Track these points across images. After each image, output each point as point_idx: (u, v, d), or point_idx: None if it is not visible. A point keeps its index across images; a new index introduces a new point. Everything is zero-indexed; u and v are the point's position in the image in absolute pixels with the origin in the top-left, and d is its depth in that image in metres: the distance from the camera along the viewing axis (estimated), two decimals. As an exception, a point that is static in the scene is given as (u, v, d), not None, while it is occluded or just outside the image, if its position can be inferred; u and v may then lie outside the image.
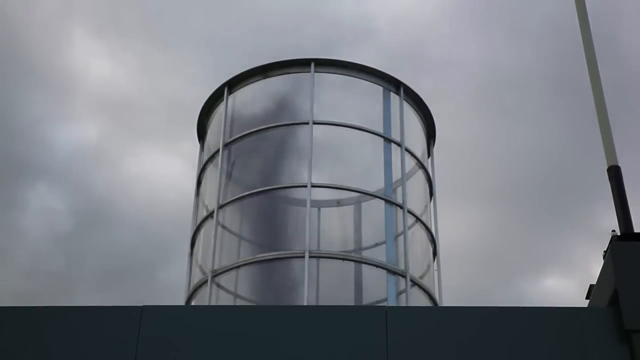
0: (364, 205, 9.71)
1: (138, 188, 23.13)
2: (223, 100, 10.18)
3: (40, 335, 6.05)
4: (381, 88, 10.11)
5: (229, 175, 9.86)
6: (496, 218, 22.10)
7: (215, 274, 8.98)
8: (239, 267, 9.04)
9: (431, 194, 10.28)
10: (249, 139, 9.80)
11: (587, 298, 6.73)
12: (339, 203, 9.71)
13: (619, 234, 6.33)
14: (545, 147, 20.48)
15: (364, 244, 9.58)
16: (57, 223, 22.27)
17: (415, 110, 10.36)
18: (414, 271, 9.14)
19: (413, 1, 22.77)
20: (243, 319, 6.21)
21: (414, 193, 9.87)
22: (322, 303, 8.65)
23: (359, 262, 9.14)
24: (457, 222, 18.73)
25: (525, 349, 5.91)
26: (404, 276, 8.94)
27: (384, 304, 8.78)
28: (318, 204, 9.51)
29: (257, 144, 9.87)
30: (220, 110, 10.26)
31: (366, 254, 9.36)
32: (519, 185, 20.91)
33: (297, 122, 9.72)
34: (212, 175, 9.98)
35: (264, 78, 10.11)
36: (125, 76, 23.14)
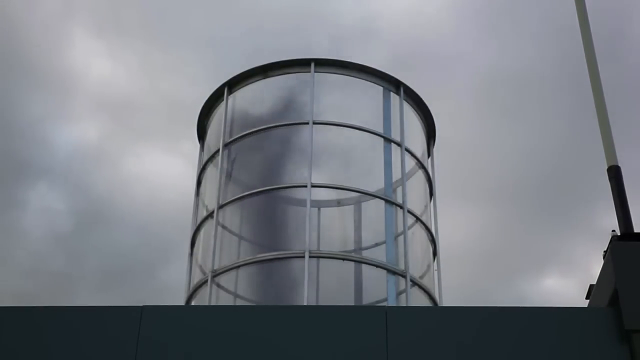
0: (364, 205, 9.71)
1: (138, 188, 23.16)
2: (223, 100, 10.18)
3: (40, 335, 6.05)
4: (381, 88, 10.11)
5: (229, 175, 9.85)
6: (496, 218, 22.11)
7: (215, 274, 8.98)
8: (239, 267, 9.03)
9: (431, 194, 10.28)
10: (249, 139, 9.80)
11: (587, 298, 6.73)
12: (339, 203, 9.71)
13: (619, 234, 6.34)
14: (545, 147, 20.50)
15: (364, 244, 9.57)
16: (57, 223, 22.30)
17: (415, 110, 10.37)
18: (414, 271, 9.14)
19: (414, 1, 22.79)
20: (243, 319, 6.21)
21: (414, 193, 9.87)
22: (322, 303, 8.65)
23: (359, 262, 9.13)
24: (457, 222, 18.74)
25: (525, 349, 5.91)
26: (404, 276, 8.94)
27: (384, 304, 8.78)
28: (318, 204, 9.51)
29: (257, 144, 9.87)
30: (220, 110, 10.26)
31: (366, 254, 9.36)
32: (519, 185, 20.93)
33: (297, 122, 9.72)
34: (212, 175, 9.98)
35: (264, 78, 10.11)
36: (126, 76, 23.17)
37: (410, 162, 9.95)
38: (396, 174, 9.69)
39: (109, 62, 23.24)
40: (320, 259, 8.84)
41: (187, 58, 22.55)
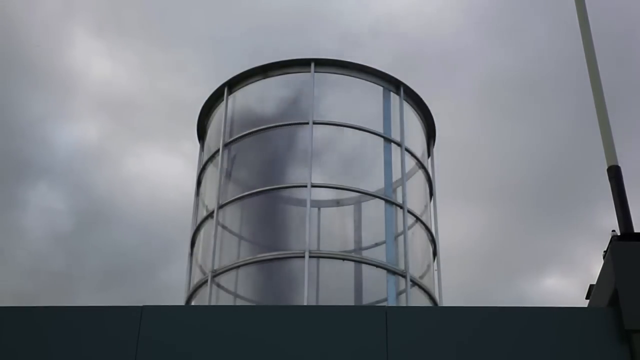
0: (364, 205, 9.71)
1: (138, 188, 23.16)
2: (223, 100, 10.18)
3: (40, 335, 6.05)
4: (381, 88, 10.11)
5: (229, 175, 9.86)
6: (497, 218, 22.11)
7: (215, 274, 8.98)
8: (239, 267, 9.03)
9: (431, 194, 10.28)
10: (249, 138, 9.80)
11: (587, 298, 6.73)
12: (339, 203, 9.71)
13: (619, 234, 6.34)
14: (545, 147, 20.50)
15: (364, 244, 9.57)
16: (57, 223, 22.29)
17: (415, 110, 10.36)
18: (414, 271, 9.14)
19: (414, 1, 22.79)
20: (243, 319, 6.21)
21: (414, 193, 9.86)
22: (322, 303, 8.65)
23: (359, 262, 9.13)
24: (457, 222, 18.73)
25: (525, 349, 5.91)
26: (404, 276, 8.94)
27: (384, 304, 8.78)
28: (318, 204, 9.51)
29: (257, 144, 9.87)
30: (220, 110, 10.26)
31: (366, 254, 9.36)
32: (519, 185, 20.92)
33: (297, 122, 9.72)
34: (212, 175, 9.98)
35: (264, 78, 10.11)
36: (126, 76, 23.17)
37: (410, 162, 9.94)
38: (396, 174, 9.69)
39: (110, 61, 23.27)
40: (320, 259, 8.84)
41: (187, 58, 22.57)
